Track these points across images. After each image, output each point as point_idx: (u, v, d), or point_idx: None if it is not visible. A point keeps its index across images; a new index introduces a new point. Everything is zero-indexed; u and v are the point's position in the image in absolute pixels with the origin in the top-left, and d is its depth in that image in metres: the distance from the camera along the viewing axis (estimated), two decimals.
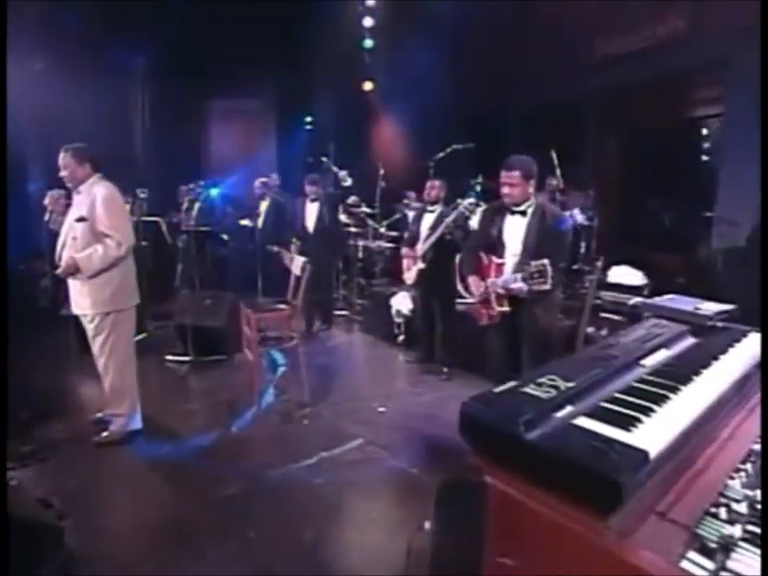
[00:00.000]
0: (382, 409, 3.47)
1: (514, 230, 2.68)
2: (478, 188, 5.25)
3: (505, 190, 2.59)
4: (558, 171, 4.33)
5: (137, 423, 3.10)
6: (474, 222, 4.62)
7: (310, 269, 3.54)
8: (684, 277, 4.84)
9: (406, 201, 6.17)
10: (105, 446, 2.96)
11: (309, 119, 8.02)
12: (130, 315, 3.06)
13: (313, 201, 5.12)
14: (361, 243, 6.14)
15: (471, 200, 3.99)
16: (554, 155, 4.33)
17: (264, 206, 5.76)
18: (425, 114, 7.29)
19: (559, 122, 6.30)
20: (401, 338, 4.91)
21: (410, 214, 6.25)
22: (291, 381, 3.86)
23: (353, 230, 6.16)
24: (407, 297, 4.91)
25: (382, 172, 5.77)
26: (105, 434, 3.02)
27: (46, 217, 3.05)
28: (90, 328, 2.96)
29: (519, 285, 2.60)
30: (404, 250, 4.19)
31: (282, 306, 3.53)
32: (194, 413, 3.44)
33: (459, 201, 3.98)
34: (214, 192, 6.23)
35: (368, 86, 7.94)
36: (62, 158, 2.86)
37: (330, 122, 8.23)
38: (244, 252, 5.55)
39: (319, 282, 4.98)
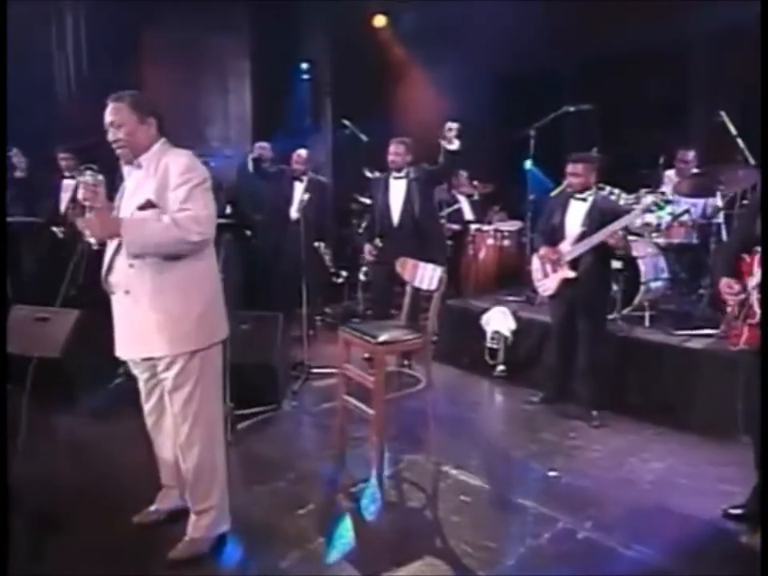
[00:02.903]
0: (552, 473, 3.32)
1: None
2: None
3: None
4: (740, 142, 4.29)
5: (226, 523, 2.72)
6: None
7: (446, 281, 3.30)
8: None
9: (475, 183, 6.03)
10: (186, 563, 2.53)
11: (305, 66, 7.65)
12: (219, 354, 2.68)
13: (398, 178, 4.72)
14: None
15: (665, 194, 3.90)
16: (725, 117, 4.32)
17: (299, 188, 5.40)
18: (462, 66, 7.18)
19: (650, 77, 6.40)
20: (500, 368, 4.76)
21: (464, 201, 6.17)
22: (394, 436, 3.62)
23: None
24: (507, 314, 4.79)
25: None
26: (182, 544, 2.60)
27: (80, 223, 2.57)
28: (162, 379, 2.55)
29: None
30: (542, 251, 4.03)
31: (413, 336, 3.27)
32: (282, 495, 3.12)
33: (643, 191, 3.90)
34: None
35: (380, 21, 7.71)
36: (113, 110, 2.42)
37: (327, 70, 7.91)
38: (273, 252, 5.20)
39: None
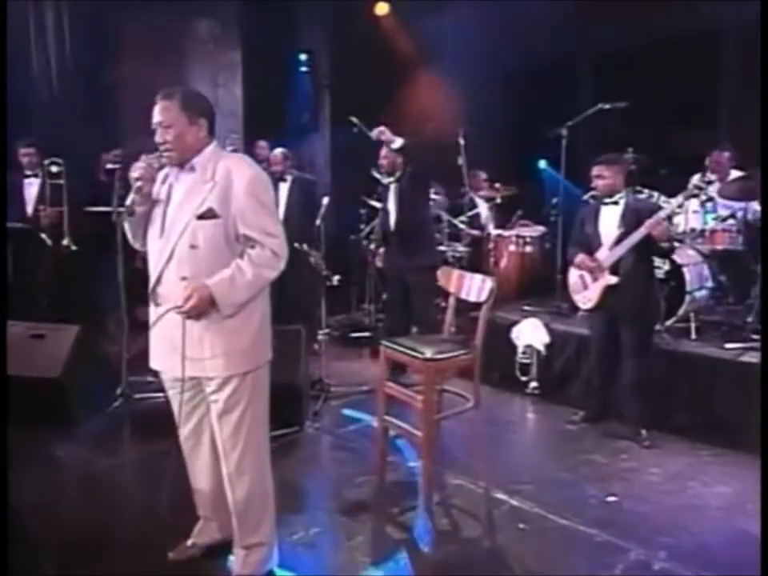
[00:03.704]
0: (611, 498, 3.36)
1: None
2: None
3: None
4: None
5: (274, 558, 2.71)
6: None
7: (495, 290, 3.34)
8: None
9: (497, 185, 6.11)
10: None
11: (304, 57, 7.67)
12: (267, 375, 2.70)
13: (392, 181, 4.86)
14: None
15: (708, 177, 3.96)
16: None
17: (284, 189, 5.45)
18: (473, 58, 7.27)
19: (678, 67, 6.51)
20: (532, 385, 4.81)
21: (482, 206, 6.23)
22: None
23: None
24: (540, 326, 4.85)
25: (462, 142, 5.66)
26: None
27: (129, 199, 2.49)
28: (212, 401, 2.52)
29: None
30: (578, 259, 4.08)
31: (462, 352, 3.30)
32: (326, 525, 3.11)
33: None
34: None
35: (382, 8, 7.78)
36: (162, 109, 2.42)
37: (325, 62, 7.95)
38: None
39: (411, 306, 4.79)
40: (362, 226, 6.40)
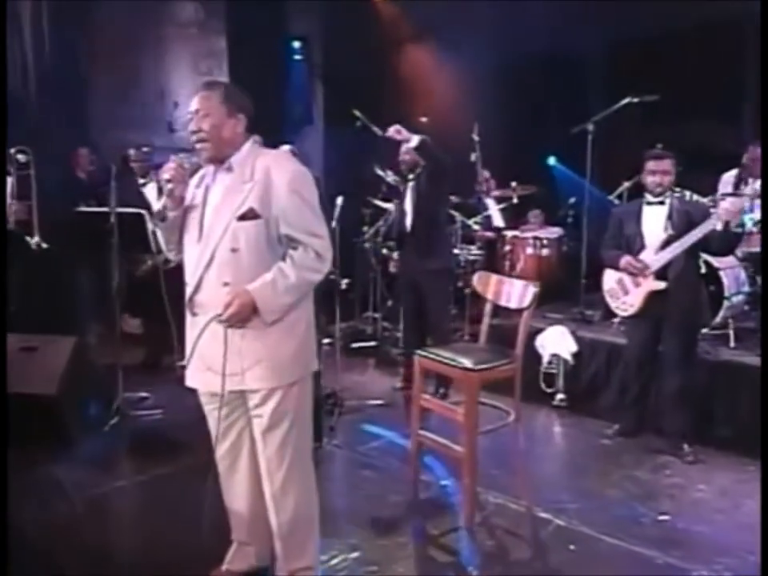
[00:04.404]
0: (662, 517, 3.41)
1: None
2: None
3: None
4: None
5: None
6: None
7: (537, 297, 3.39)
8: None
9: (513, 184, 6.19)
10: None
11: (297, 44, 7.69)
12: (311, 385, 2.72)
13: (410, 180, 4.90)
14: None
15: None
16: None
17: None
18: (480, 48, 7.35)
19: (690, 61, 6.63)
20: (559, 396, 4.87)
21: (493, 207, 6.30)
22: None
23: None
24: (567, 334, 4.91)
25: (477, 138, 5.71)
26: None
27: (160, 202, 2.52)
28: (255, 416, 2.52)
29: None
30: (625, 261, 4.11)
31: (504, 361, 3.35)
32: (365, 550, 3.10)
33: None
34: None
35: None
36: (202, 99, 2.45)
37: (319, 50, 7.98)
38: None
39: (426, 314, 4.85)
40: (365, 228, 6.40)
